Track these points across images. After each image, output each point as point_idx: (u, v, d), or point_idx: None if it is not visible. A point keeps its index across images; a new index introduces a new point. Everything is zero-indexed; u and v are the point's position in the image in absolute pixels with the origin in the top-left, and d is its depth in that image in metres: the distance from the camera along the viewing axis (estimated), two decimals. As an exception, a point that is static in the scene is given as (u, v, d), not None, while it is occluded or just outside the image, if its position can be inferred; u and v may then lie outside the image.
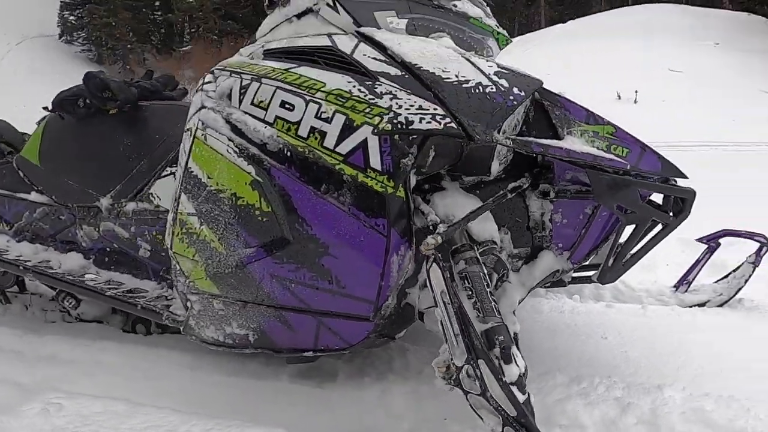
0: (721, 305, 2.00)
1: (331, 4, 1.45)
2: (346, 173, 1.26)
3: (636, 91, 10.25)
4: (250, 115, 1.40)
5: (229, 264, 1.40)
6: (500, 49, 1.68)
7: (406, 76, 1.28)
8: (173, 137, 1.86)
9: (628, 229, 1.49)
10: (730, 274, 2.06)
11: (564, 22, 20.79)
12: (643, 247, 1.53)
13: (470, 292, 1.22)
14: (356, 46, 1.36)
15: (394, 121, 1.23)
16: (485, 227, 1.38)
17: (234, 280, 1.41)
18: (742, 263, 2.02)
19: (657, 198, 1.50)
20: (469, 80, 1.28)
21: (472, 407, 1.19)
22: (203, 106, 1.47)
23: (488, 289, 1.24)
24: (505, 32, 1.65)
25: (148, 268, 1.87)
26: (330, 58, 1.37)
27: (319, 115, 1.30)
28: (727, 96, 13.70)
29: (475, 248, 1.31)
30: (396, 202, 1.26)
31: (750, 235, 1.98)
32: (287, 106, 1.34)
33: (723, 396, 1.33)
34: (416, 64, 1.28)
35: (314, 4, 1.47)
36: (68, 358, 1.73)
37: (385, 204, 1.25)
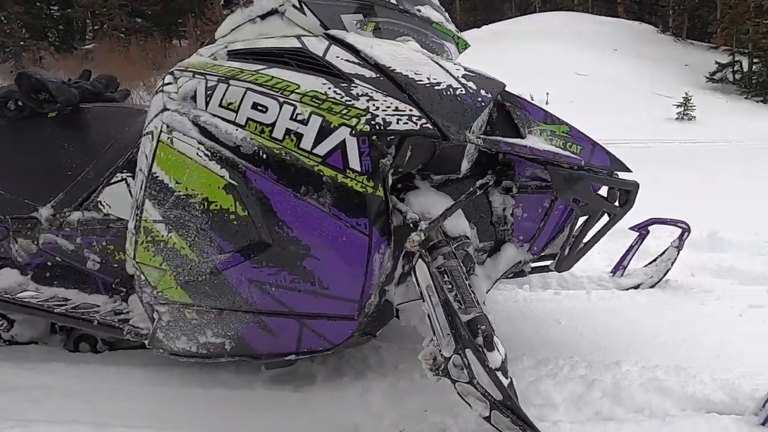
0: (652, 286, 2.22)
1: (298, 5, 1.45)
2: (325, 174, 1.27)
3: (547, 93, 10.98)
4: (220, 117, 1.36)
5: (203, 271, 1.36)
6: (459, 53, 1.75)
7: (381, 78, 1.31)
8: (122, 141, 1.77)
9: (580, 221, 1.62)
10: (657, 258, 2.28)
11: (478, 27, 21.75)
12: (594, 236, 1.66)
13: (450, 286, 1.28)
14: (327, 48, 1.37)
15: (372, 122, 1.25)
16: (458, 223, 1.44)
17: (208, 288, 1.37)
18: (668, 248, 2.26)
19: (602, 191, 1.64)
20: (440, 83, 1.33)
21: (460, 395, 1.24)
22: (166, 108, 1.42)
23: (467, 282, 1.30)
24: (463, 37, 1.73)
25: (98, 281, 1.76)
26: (301, 60, 1.37)
27: (294, 116, 1.29)
28: (627, 98, 15.03)
29: (451, 244, 1.37)
30: (376, 202, 1.28)
31: (674, 222, 2.20)
32: (260, 107, 1.33)
33: (671, 366, 1.49)
34: (390, 67, 1.32)
35: (280, 6, 1.46)
36: (12, 385, 1.58)
37: (366, 204, 1.27)
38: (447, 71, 1.36)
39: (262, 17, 1.50)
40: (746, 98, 16.22)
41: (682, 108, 14.43)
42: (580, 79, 15.86)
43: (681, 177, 5.31)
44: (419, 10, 1.58)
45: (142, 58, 20.02)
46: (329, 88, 1.30)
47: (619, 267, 2.29)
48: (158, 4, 24.95)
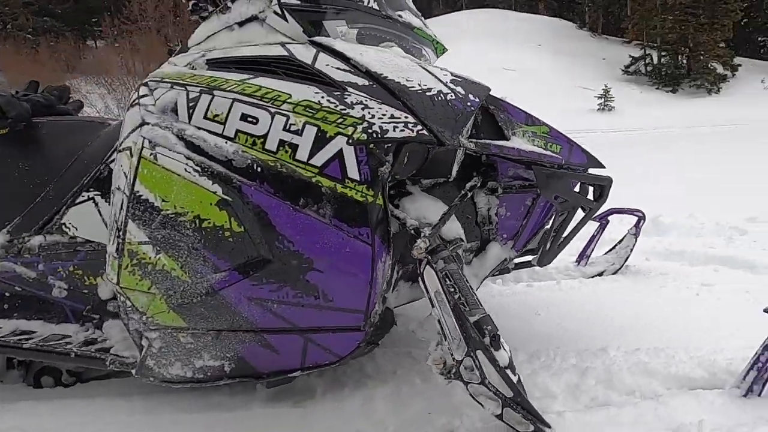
0: (615, 273, 2.36)
1: (279, 12, 1.41)
2: (324, 185, 1.25)
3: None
4: (206, 130, 1.30)
5: (197, 292, 1.30)
6: (437, 58, 1.77)
7: (374, 85, 1.30)
8: (84, 157, 1.64)
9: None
10: (616, 245, 2.43)
11: None
12: (572, 230, 1.74)
13: (453, 289, 1.30)
14: (316, 56, 1.34)
15: (369, 130, 1.24)
16: (452, 226, 1.46)
17: (204, 309, 1.31)
18: (625, 235, 2.40)
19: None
20: (431, 88, 1.34)
21: (472, 396, 1.26)
22: (144, 122, 1.33)
23: (468, 284, 1.33)
24: (442, 42, 1.75)
25: (66, 309, 1.63)
26: (289, 69, 1.33)
27: (287, 127, 1.26)
28: (553, 91, 15.84)
29: (448, 247, 1.39)
30: (376, 210, 1.27)
31: (631, 211, 2.35)
32: (249, 119, 1.28)
33: (650, 348, 1.59)
34: (382, 74, 1.31)
35: (260, 12, 1.42)
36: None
37: (367, 213, 1.26)
38: (436, 77, 1.38)
39: (240, 24, 1.45)
40: (657, 89, 17.54)
41: (603, 99, 15.40)
42: (508, 74, 16.50)
43: (613, 163, 5.66)
44: (401, 16, 1.58)
45: (53, 59, 18.66)
46: (322, 97, 1.27)
47: (583, 256, 2.41)
48: (68, 3, 23.32)
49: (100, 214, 1.58)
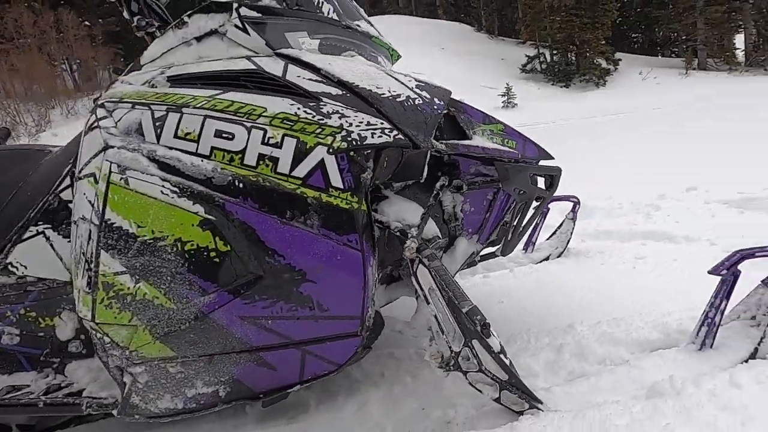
0: (559, 256, 2.54)
1: (240, 25, 1.39)
2: (309, 196, 1.25)
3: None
4: (178, 149, 1.25)
5: (185, 318, 1.24)
6: (392, 65, 1.82)
7: (348, 94, 1.32)
8: (27, 189, 1.51)
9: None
10: (556, 230, 2.62)
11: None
12: (528, 220, 1.86)
13: (443, 284, 1.35)
14: (285, 68, 1.34)
15: (348, 138, 1.27)
16: (429, 226, 1.52)
17: (194, 335, 1.25)
18: (564, 220, 2.60)
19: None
20: (400, 94, 1.39)
21: (471, 384, 1.32)
22: (108, 146, 1.26)
23: (453, 279, 1.39)
24: (396, 50, 1.80)
25: (20, 357, 1.48)
26: (259, 82, 1.32)
27: (266, 141, 1.25)
28: (460, 91, 16.51)
29: (429, 245, 1.44)
30: (362, 216, 1.30)
31: (566, 198, 2.55)
32: (224, 135, 1.25)
33: (610, 319, 1.74)
34: (353, 83, 1.34)
35: (220, 26, 1.39)
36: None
37: (354, 219, 1.28)
38: (402, 83, 1.42)
39: (199, 39, 1.41)
40: (552, 84, 18.90)
41: (506, 97, 16.32)
42: (418, 77, 17.01)
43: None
44: (359, 26, 1.61)
45: None
46: (299, 109, 1.28)
47: (529, 243, 2.58)
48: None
49: (54, 249, 1.46)
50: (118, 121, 1.29)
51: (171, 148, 1.25)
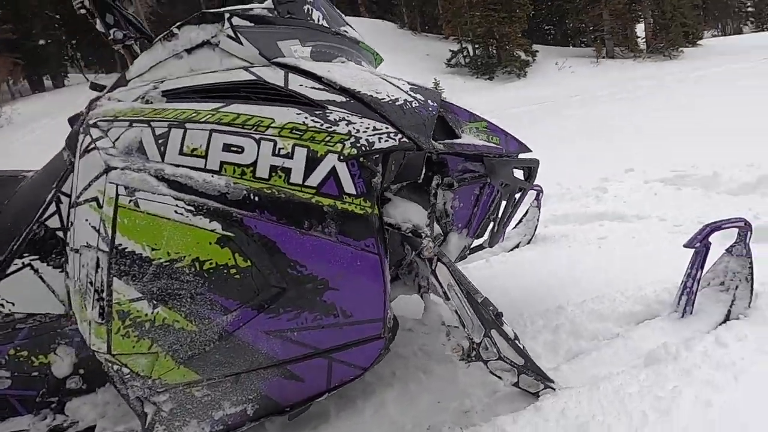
0: (528, 243, 2.67)
1: (233, 36, 1.36)
2: (324, 204, 1.25)
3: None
4: (185, 166, 1.22)
5: (209, 339, 1.21)
6: (375, 68, 1.84)
7: (351, 101, 1.34)
8: (6, 219, 1.40)
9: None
10: (522, 218, 2.75)
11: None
12: (511, 211, 1.96)
13: (457, 279, 1.40)
14: (286, 77, 1.33)
15: (357, 144, 1.28)
16: (432, 225, 1.56)
17: (219, 356, 1.22)
18: (529, 208, 2.73)
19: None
20: (398, 98, 1.42)
21: (491, 372, 1.38)
22: (110, 168, 1.19)
23: (462, 273, 1.44)
24: (379, 54, 1.82)
25: (12, 401, 1.37)
26: (261, 93, 1.31)
27: (276, 152, 1.24)
28: (392, 88, 16.75)
29: (436, 243, 1.49)
30: (375, 220, 1.32)
31: (531, 187, 2.67)
32: (234, 148, 1.23)
33: (593, 297, 1.87)
34: (355, 89, 1.35)
35: (212, 37, 1.35)
36: None
37: (369, 224, 1.30)
38: (398, 87, 1.46)
39: (190, 51, 1.36)
40: (477, 78, 19.54)
41: (435, 92, 16.66)
42: (347, 76, 17.01)
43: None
44: (346, 32, 1.62)
45: None
46: (306, 118, 1.28)
47: (500, 233, 2.69)
48: None
49: (44, 281, 1.37)
50: (116, 140, 1.23)
51: (178, 166, 1.21)
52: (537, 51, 20.31)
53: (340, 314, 1.29)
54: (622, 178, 3.72)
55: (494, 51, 19.85)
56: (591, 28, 22.62)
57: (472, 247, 2.01)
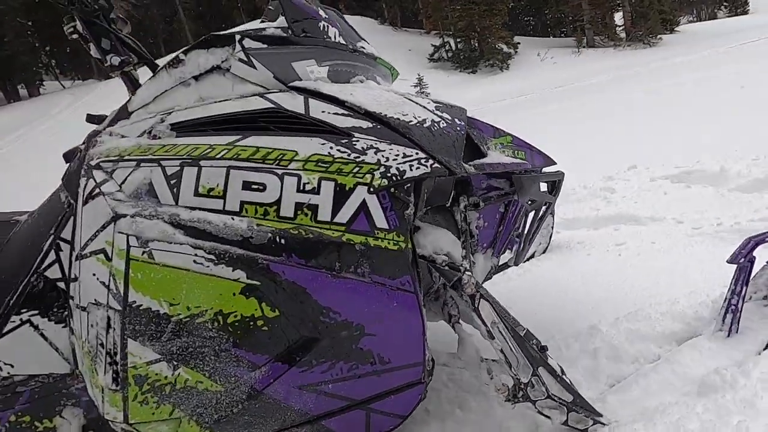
0: (544, 252, 2.58)
1: (245, 59, 1.23)
2: (355, 242, 1.14)
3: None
4: (201, 209, 1.09)
5: (236, 400, 1.09)
6: (391, 83, 1.72)
7: (378, 126, 1.22)
8: (1, 268, 1.26)
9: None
10: (536, 226, 2.66)
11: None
12: (537, 227, 1.86)
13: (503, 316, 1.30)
14: (306, 103, 1.21)
15: (388, 174, 1.17)
16: (459, 251, 1.45)
17: (248, 417, 1.11)
18: (542, 215, 2.64)
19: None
20: (425, 119, 1.31)
21: (539, 412, 1.28)
22: (118, 215, 1.07)
23: (500, 304, 1.34)
24: (395, 68, 1.71)
25: (16, 471, 1.24)
26: (280, 122, 1.19)
27: (301, 188, 1.12)
28: (377, 86, 16.62)
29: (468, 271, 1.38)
30: (410, 255, 1.21)
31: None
32: (255, 186, 1.11)
33: (626, 315, 1.78)
34: (381, 113, 1.24)
35: (222, 62, 1.22)
36: None
37: (404, 260, 1.19)
38: (423, 107, 1.35)
39: (198, 77, 1.24)
40: (460, 71, 19.49)
41: (419, 87, 16.59)
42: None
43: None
44: (363, 48, 1.50)
45: None
46: (331, 148, 1.16)
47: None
48: None
49: (45, 338, 1.23)
50: (123, 183, 1.10)
51: (194, 209, 1.09)
52: (518, 43, 20.31)
53: (377, 361, 1.18)
54: (626, 176, 3.65)
55: (476, 44, 19.81)
56: (570, 18, 22.70)
57: (499, 266, 1.91)
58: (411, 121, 1.27)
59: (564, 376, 1.30)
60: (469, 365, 1.42)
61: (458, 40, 19.96)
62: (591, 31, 21.29)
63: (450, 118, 1.36)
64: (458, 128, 1.35)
